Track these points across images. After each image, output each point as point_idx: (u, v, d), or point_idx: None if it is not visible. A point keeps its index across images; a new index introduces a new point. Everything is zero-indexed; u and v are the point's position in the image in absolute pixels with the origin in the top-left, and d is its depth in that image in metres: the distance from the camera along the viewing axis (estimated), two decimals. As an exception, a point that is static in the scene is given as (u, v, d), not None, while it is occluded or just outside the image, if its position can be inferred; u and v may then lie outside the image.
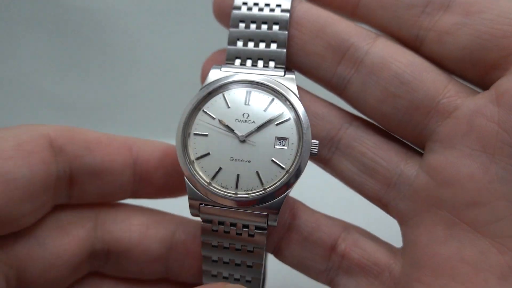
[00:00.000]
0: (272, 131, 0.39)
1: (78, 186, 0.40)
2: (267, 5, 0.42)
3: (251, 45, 0.42)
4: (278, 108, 0.39)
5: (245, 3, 0.42)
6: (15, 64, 0.85)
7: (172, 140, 0.40)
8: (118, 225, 0.41)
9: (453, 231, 0.35)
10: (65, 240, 0.39)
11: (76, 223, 0.40)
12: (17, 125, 0.37)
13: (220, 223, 0.39)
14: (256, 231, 0.38)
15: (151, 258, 0.41)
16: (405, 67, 0.38)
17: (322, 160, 0.42)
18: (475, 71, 0.37)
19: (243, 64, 0.41)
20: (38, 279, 0.38)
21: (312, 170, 0.40)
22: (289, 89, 0.40)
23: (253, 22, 0.42)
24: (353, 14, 0.41)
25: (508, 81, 0.34)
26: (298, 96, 0.39)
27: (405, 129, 0.39)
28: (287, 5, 0.41)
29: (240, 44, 0.42)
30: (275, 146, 0.38)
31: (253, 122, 0.39)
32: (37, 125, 0.38)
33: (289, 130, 0.39)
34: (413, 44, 0.39)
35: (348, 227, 0.41)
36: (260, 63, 0.41)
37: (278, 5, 0.42)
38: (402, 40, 0.40)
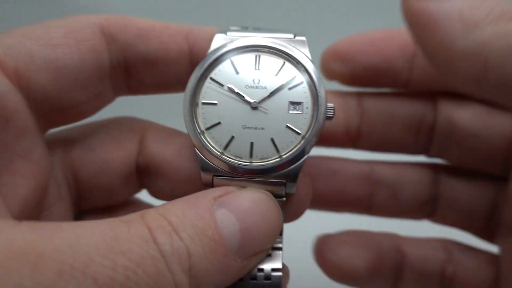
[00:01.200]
0: (285, 96, 0.37)
1: (135, 76, 0.39)
2: None
3: None
4: (290, 72, 0.37)
5: None
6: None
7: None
8: (158, 142, 0.41)
9: None
10: (114, 149, 0.40)
11: (125, 136, 0.41)
12: (67, 16, 0.37)
13: None
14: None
15: (182, 178, 0.40)
16: (471, 120, 0.42)
17: (426, 214, 0.46)
18: None
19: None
20: (91, 182, 0.40)
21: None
22: (301, 51, 0.38)
23: None
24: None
25: None
26: (310, 58, 0.38)
27: (491, 168, 0.43)
28: None
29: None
30: (289, 111, 0.37)
31: (265, 87, 0.37)
32: (88, 15, 0.37)
33: (303, 94, 0.37)
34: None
35: (446, 246, 0.45)
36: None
37: None
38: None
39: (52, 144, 0.39)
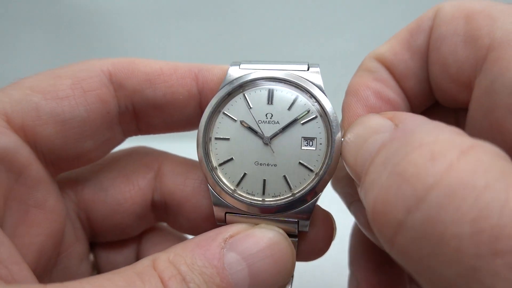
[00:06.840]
0: (298, 131, 0.36)
1: (144, 119, 0.40)
2: None
3: None
4: (303, 106, 0.37)
5: None
6: (14, 63, 0.85)
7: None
8: (176, 178, 0.40)
9: None
10: (127, 188, 0.40)
11: (139, 172, 0.41)
12: (76, 62, 0.37)
13: None
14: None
15: (202, 216, 0.40)
16: None
17: None
18: None
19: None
20: (104, 222, 0.40)
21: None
22: (314, 84, 0.37)
23: None
24: None
25: None
26: (324, 91, 0.37)
27: None
28: None
29: None
30: (302, 147, 0.36)
31: (277, 122, 0.36)
32: (96, 60, 0.37)
33: (316, 129, 0.36)
34: None
35: None
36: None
37: None
38: None
39: (62, 184, 0.39)
